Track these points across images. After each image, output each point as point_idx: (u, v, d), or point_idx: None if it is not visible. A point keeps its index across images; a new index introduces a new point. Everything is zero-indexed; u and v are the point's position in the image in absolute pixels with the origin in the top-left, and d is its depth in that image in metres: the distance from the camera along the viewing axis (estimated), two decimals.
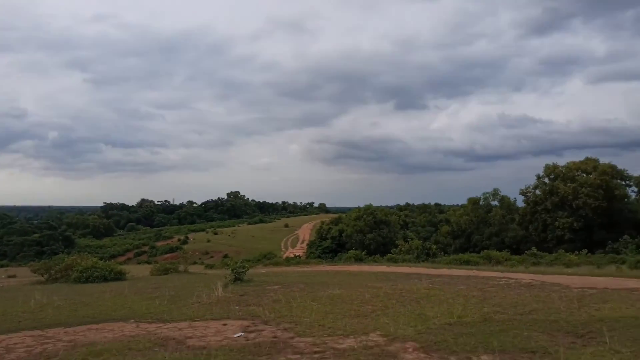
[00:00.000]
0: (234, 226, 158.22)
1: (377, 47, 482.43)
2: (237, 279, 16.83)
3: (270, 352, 6.99)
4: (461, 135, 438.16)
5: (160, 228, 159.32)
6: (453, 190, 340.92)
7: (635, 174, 54.89)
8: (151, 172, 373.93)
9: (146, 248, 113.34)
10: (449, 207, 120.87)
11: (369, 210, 73.52)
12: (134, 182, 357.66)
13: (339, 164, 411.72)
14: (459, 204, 77.38)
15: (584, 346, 6.83)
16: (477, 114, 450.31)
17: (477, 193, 65.32)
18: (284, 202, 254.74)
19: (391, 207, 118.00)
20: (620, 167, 54.42)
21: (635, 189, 55.09)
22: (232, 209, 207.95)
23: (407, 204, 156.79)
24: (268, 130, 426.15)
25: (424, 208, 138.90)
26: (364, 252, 37.83)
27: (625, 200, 53.46)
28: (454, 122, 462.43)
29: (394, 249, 38.48)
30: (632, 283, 14.52)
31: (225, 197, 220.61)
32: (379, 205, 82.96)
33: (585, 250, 35.74)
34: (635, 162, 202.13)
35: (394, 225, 74.79)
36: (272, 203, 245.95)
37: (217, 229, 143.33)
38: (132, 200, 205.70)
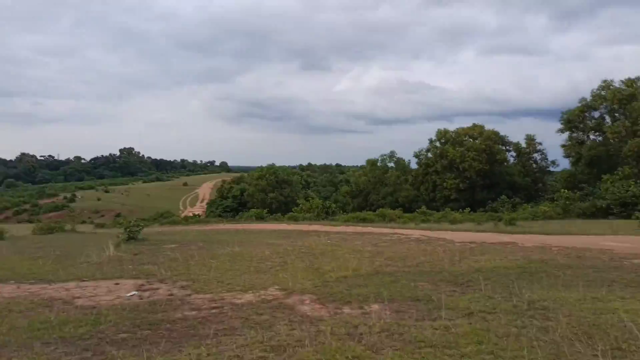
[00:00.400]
0: (127, 184, 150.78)
1: (283, 3, 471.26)
2: (131, 238, 16.16)
3: (166, 309, 6.85)
4: (363, 99, 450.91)
5: (43, 185, 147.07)
6: (353, 151, 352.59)
7: (515, 141, 60.55)
8: (32, 124, 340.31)
9: (27, 206, 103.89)
10: (349, 167, 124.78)
11: (271, 169, 73.64)
12: (12, 134, 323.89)
13: (242, 122, 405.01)
14: (359, 165, 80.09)
15: (462, 293, 7.52)
16: (378, 78, 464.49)
17: (375, 155, 67.93)
18: (183, 160, 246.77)
19: (293, 167, 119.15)
20: (502, 133, 59.61)
21: (514, 154, 60.82)
22: (126, 166, 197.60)
23: (309, 164, 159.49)
24: (166, 84, 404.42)
25: (325, 168, 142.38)
26: (265, 211, 38.04)
27: (505, 164, 58.83)
28: (356, 85, 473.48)
29: (295, 208, 39.15)
30: (506, 238, 16.17)
31: (118, 153, 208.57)
32: (281, 165, 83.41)
33: (468, 209, 39.29)
34: (516, 130, 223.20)
35: (295, 185, 75.86)
36: (170, 161, 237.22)
37: (109, 187, 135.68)
38: (10, 155, 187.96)
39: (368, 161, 66.65)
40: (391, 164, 66.05)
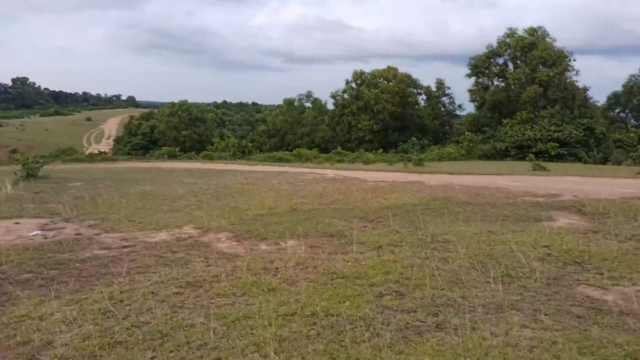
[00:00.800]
0: (23, 117, 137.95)
1: None
2: (30, 175, 15.02)
3: (73, 249, 6.58)
4: (280, 35, 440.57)
5: None
6: (270, 90, 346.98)
7: (426, 84, 62.70)
8: None
9: None
10: (266, 107, 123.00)
11: (184, 106, 70.72)
12: None
13: (150, 54, 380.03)
14: (276, 104, 79.22)
15: (373, 229, 7.95)
16: (296, 14, 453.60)
17: (292, 94, 67.45)
18: (85, 93, 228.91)
19: (208, 104, 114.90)
20: (414, 77, 61.37)
21: (425, 97, 63.14)
22: (20, 97, 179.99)
23: (225, 102, 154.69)
24: (64, 7, 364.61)
25: (241, 107, 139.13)
26: (178, 149, 36.85)
27: (416, 106, 61.04)
28: (273, 20, 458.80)
29: (210, 147, 38.32)
30: (414, 177, 17.09)
31: (10, 83, 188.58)
32: (194, 101, 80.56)
33: (381, 150, 40.76)
34: (427, 74, 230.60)
35: (210, 123, 73.73)
36: (70, 93, 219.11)
37: (2, 121, 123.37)
38: None
39: (285, 100, 66.04)
40: (308, 104, 66.01)
